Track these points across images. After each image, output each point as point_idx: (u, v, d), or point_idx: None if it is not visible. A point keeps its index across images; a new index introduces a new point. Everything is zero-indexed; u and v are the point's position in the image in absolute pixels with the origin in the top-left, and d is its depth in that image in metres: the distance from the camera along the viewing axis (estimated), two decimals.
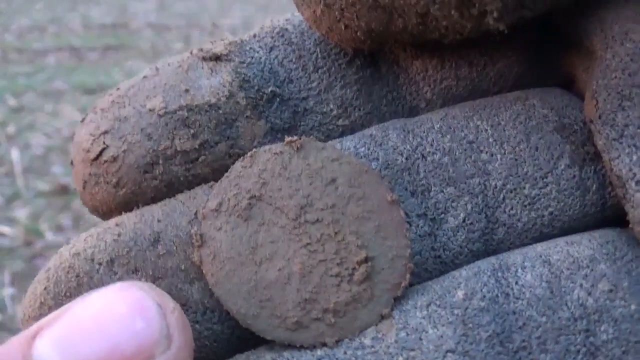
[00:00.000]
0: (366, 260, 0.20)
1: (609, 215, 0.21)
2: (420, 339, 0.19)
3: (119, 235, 0.20)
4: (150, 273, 0.20)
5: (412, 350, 0.19)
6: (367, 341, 0.19)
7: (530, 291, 0.19)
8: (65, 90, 2.39)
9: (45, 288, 0.20)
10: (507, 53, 0.22)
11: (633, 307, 0.19)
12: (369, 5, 0.19)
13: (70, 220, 1.57)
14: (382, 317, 0.20)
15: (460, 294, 0.20)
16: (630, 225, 0.20)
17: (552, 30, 0.22)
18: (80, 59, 2.74)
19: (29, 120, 2.09)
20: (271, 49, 0.22)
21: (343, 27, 0.20)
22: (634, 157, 0.19)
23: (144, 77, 0.21)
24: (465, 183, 0.21)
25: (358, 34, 0.20)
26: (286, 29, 0.22)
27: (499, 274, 0.20)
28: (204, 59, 0.21)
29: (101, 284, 0.19)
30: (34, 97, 2.31)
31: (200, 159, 0.21)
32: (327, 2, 0.20)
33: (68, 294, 0.19)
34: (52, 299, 0.19)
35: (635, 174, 0.19)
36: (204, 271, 0.20)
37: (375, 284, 0.20)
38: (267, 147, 0.21)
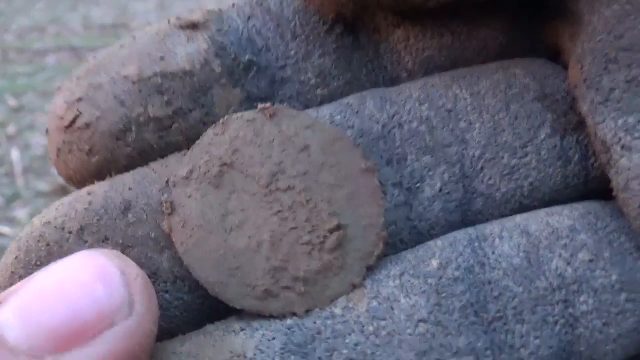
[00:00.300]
0: (338, 228, 0.19)
1: (592, 188, 0.21)
2: (392, 308, 0.19)
3: (89, 203, 0.20)
4: (120, 241, 0.19)
5: (383, 319, 0.18)
6: (337, 310, 0.19)
7: (507, 261, 0.19)
8: None
9: (15, 257, 0.19)
10: (490, 22, 0.22)
11: (614, 277, 0.19)
12: None
13: None
14: (354, 287, 0.19)
15: (434, 263, 0.19)
16: (613, 193, 0.19)
17: None
18: (80, 59, 2.74)
19: (29, 120, 2.10)
20: (249, 17, 0.22)
21: None
22: (620, 122, 0.18)
23: (121, 45, 0.21)
24: (442, 152, 0.20)
25: None
26: None
27: (476, 244, 0.19)
28: (181, 27, 0.21)
29: (71, 252, 0.19)
30: (34, 97, 2.31)
31: (173, 127, 0.20)
32: None
33: (38, 262, 0.19)
34: (22, 267, 0.19)
35: (620, 139, 0.18)
36: (173, 239, 0.19)
37: (347, 252, 0.19)
38: (239, 114, 0.20)
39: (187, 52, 0.21)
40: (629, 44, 0.18)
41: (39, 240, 0.19)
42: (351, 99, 0.21)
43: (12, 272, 0.19)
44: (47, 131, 0.21)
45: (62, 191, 1.66)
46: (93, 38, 3.02)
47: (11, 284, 0.19)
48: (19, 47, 2.85)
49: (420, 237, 0.20)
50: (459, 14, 0.21)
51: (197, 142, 0.20)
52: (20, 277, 0.19)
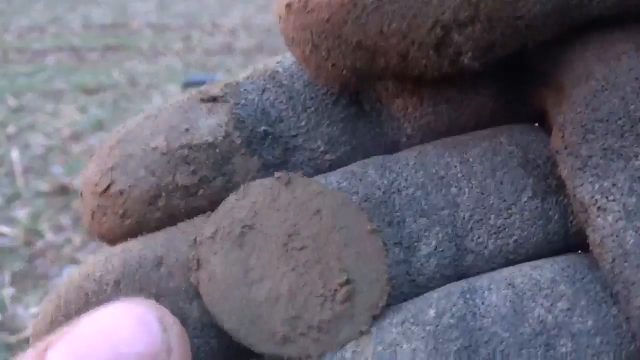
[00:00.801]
0: (347, 282, 0.22)
1: (572, 242, 0.23)
2: (395, 352, 0.21)
3: (125, 259, 0.22)
4: (154, 292, 0.21)
5: None
6: (347, 355, 0.21)
7: (495, 310, 0.21)
8: (65, 90, 2.40)
9: (56, 306, 0.21)
10: (482, 90, 0.24)
11: (590, 323, 0.21)
12: (353, 47, 0.21)
13: (70, 220, 1.58)
14: (362, 333, 0.22)
15: (432, 312, 0.21)
16: (590, 248, 0.21)
17: (525, 67, 0.24)
18: (80, 59, 2.75)
19: (29, 120, 2.11)
20: (263, 90, 0.24)
21: (330, 66, 0.22)
22: (596, 186, 0.20)
23: (147, 117, 0.23)
24: (437, 214, 0.23)
25: (344, 72, 0.21)
26: (277, 72, 0.24)
27: (467, 295, 0.22)
28: (202, 100, 0.23)
29: (108, 302, 0.21)
30: (34, 97, 2.32)
31: (199, 193, 0.23)
32: (315, 43, 0.21)
33: (77, 311, 0.21)
34: (62, 315, 0.21)
35: (597, 201, 0.20)
36: (200, 291, 0.22)
37: (356, 304, 0.22)
38: (258, 181, 0.23)
39: (209, 124, 0.23)
40: (605, 116, 0.21)
41: (78, 292, 0.21)
42: (355, 166, 0.23)
43: (53, 319, 0.22)
44: (81, 194, 0.23)
45: (62, 191, 1.67)
46: (93, 38, 3.02)
47: (52, 331, 0.21)
48: (19, 47, 2.85)
49: (418, 289, 0.23)
50: (454, 84, 0.24)
51: (221, 205, 0.22)
52: (61, 324, 0.21)
